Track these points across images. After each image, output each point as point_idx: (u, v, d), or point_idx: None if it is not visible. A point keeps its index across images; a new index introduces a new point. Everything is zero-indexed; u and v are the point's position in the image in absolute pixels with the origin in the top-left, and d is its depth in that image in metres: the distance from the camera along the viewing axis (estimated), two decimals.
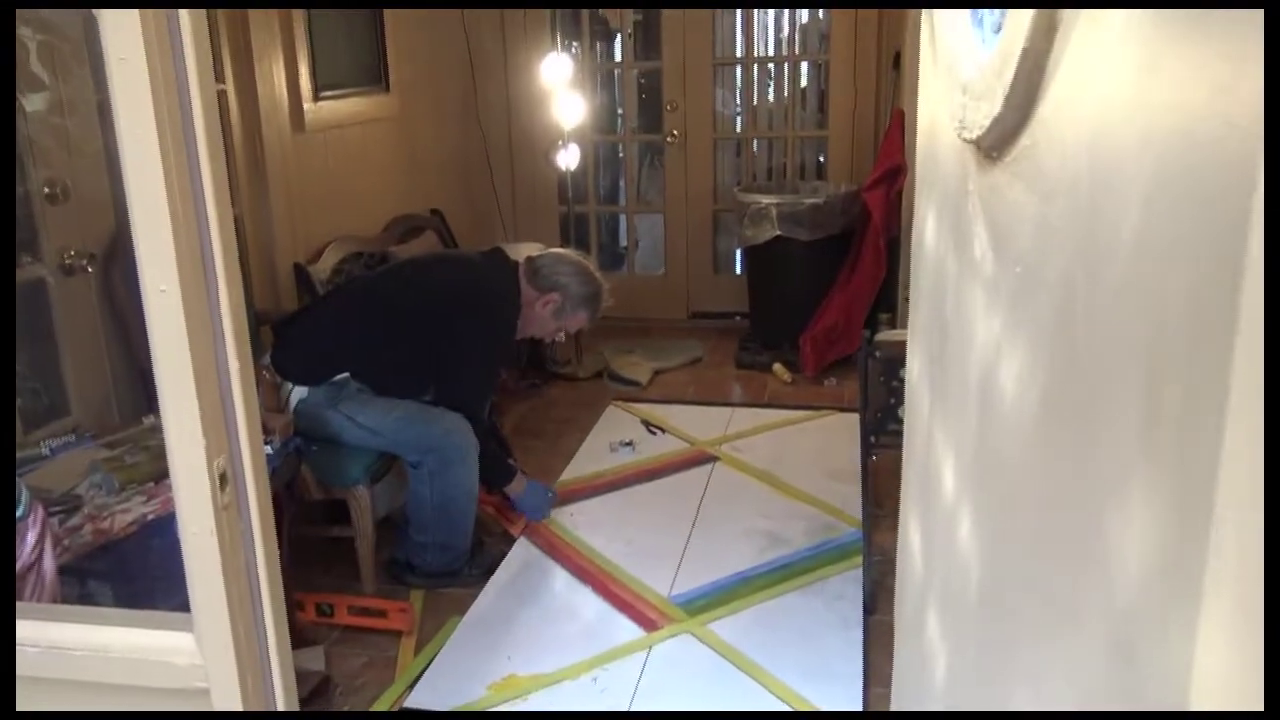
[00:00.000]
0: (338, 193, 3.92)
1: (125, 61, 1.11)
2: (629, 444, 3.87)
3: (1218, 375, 0.31)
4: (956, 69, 0.63)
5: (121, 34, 1.10)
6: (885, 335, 2.57)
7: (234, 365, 1.23)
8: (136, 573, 1.93)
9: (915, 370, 0.95)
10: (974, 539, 0.63)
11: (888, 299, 4.50)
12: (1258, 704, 0.27)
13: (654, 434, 4.00)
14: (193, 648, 1.29)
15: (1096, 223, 0.39)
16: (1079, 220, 0.41)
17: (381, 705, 2.45)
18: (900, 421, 2.66)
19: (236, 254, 1.23)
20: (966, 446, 0.65)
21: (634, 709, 2.36)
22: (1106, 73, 0.40)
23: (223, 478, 1.23)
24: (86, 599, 1.93)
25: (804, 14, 5.60)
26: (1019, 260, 0.49)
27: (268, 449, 2.37)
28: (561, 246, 3.21)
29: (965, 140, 0.59)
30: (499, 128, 5.36)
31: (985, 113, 0.52)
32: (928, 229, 0.88)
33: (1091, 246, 0.39)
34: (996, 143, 0.52)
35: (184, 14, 1.15)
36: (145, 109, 1.11)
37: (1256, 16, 0.29)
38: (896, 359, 2.54)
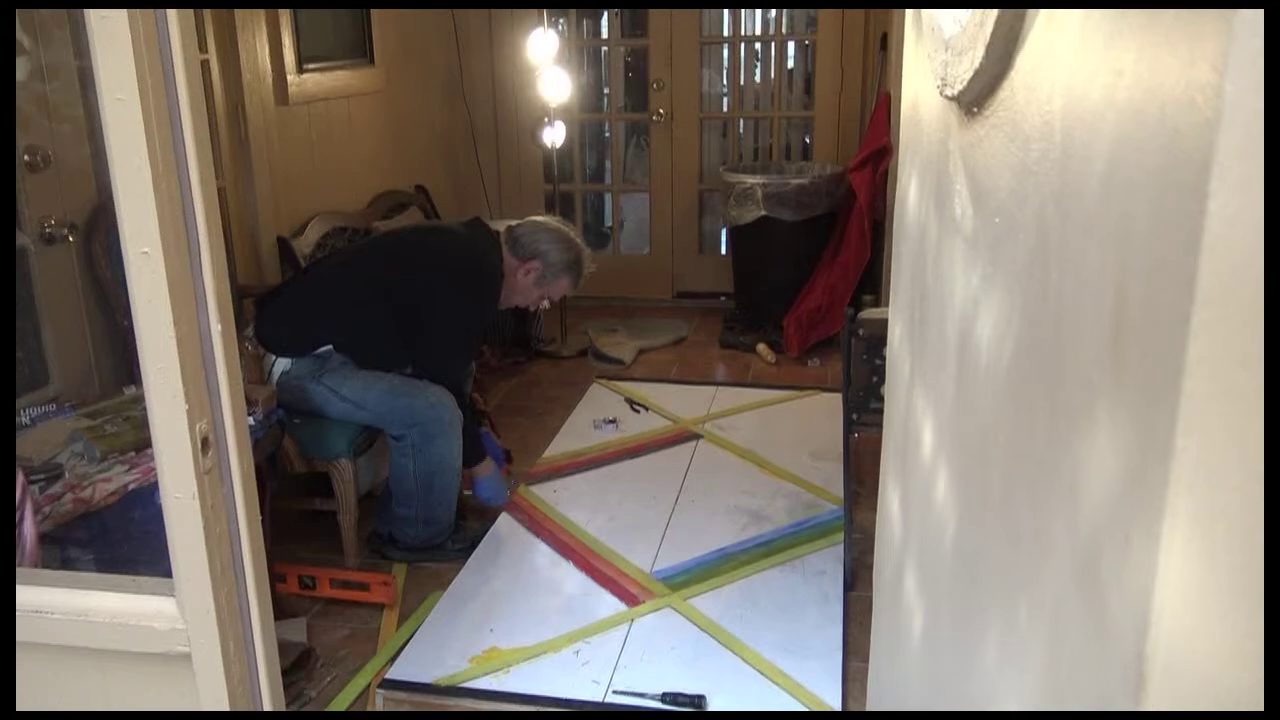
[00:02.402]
0: (322, 167, 3.89)
1: (106, 19, 1.10)
2: (612, 421, 3.88)
3: (1178, 314, 0.32)
4: (940, 28, 0.63)
5: None
6: (868, 313, 2.59)
7: (216, 328, 1.23)
8: (117, 542, 1.92)
9: (896, 337, 0.96)
10: (950, 493, 0.64)
11: (872, 280, 4.52)
12: (1216, 618, 0.28)
13: (637, 412, 4.01)
14: (174, 612, 1.29)
15: (1069, 163, 0.39)
16: (1052, 162, 0.41)
17: (363, 677, 2.46)
18: (882, 400, 2.68)
19: (219, 216, 1.23)
20: (945, 403, 0.66)
21: (615, 681, 2.38)
22: (1080, 26, 0.41)
23: (204, 442, 1.23)
24: (68, 566, 1.93)
25: None
26: (998, 211, 0.50)
27: (251, 420, 2.37)
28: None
29: (947, 98, 0.60)
30: (485, 104, 5.34)
31: (967, 65, 0.53)
32: (910, 197, 0.89)
33: (1064, 186, 0.40)
34: (978, 96, 0.53)
35: None
36: (126, 66, 1.10)
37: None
38: (879, 337, 2.55)
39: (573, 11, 5.42)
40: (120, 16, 1.09)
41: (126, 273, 1.19)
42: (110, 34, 1.10)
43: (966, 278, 0.58)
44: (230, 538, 1.30)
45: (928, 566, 0.78)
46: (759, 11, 5.73)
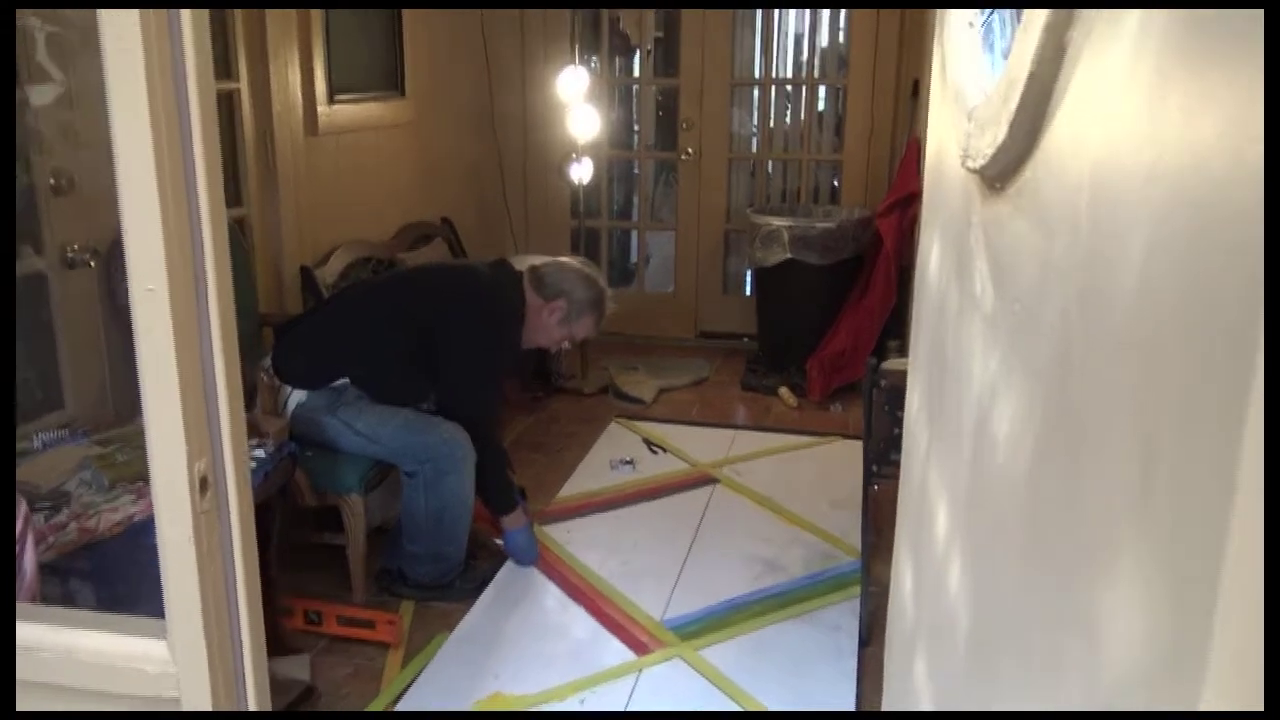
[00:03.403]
0: (349, 197, 3.90)
1: (122, 51, 1.09)
2: (629, 462, 3.84)
3: (1222, 462, 0.27)
4: (964, 95, 0.60)
5: (119, 24, 1.08)
6: (891, 363, 2.54)
7: (220, 367, 1.21)
8: (121, 575, 1.90)
9: (914, 404, 0.92)
10: (962, 589, 0.60)
11: (897, 327, 4.47)
12: None
13: (655, 453, 3.97)
14: (165, 656, 1.26)
15: (1096, 262, 0.35)
16: (1079, 259, 0.38)
17: None
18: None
19: (228, 254, 1.21)
20: (960, 488, 0.62)
21: None
22: (1113, 101, 0.38)
23: (203, 482, 1.21)
24: (68, 599, 1.91)
25: (824, 38, 5.59)
26: (1018, 298, 0.46)
27: (261, 452, 2.35)
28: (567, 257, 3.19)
29: (970, 169, 0.56)
30: (514, 139, 5.35)
31: (990, 140, 0.49)
32: (931, 259, 0.85)
33: (1091, 286, 0.36)
34: (1001, 173, 0.49)
35: (185, 11, 1.13)
36: (140, 99, 1.09)
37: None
38: (901, 388, 2.50)
39: (605, 50, 5.44)
40: (136, 49, 1.08)
41: (131, 307, 1.17)
42: (124, 66, 1.09)
43: (985, 359, 0.54)
44: (226, 581, 1.27)
45: (938, 655, 0.74)
46: (791, 55, 5.74)
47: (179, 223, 1.14)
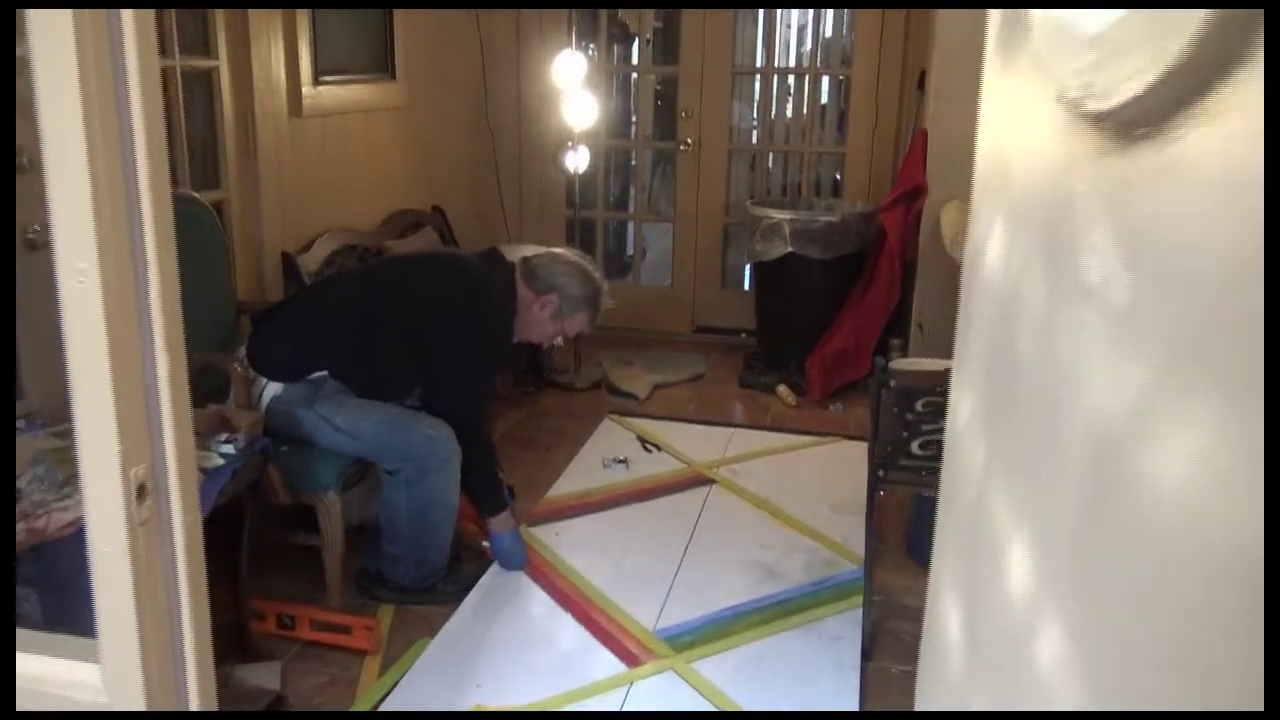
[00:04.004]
0: (334, 182, 3.75)
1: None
2: (623, 461, 3.70)
3: None
4: (1073, 27, 0.46)
5: None
6: (902, 364, 2.40)
7: (162, 361, 1.07)
8: (69, 582, 1.75)
9: (962, 416, 0.78)
10: (1063, 662, 0.46)
11: (900, 323, 4.33)
12: None
13: (649, 452, 3.83)
14: (97, 683, 1.11)
15: None
16: None
17: None
18: (912, 457, 2.49)
19: (172, 234, 1.06)
20: (1058, 535, 0.48)
21: None
22: None
23: (141, 489, 1.06)
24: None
25: (828, 29, 5.44)
26: (1196, 280, 0.32)
27: (230, 448, 2.20)
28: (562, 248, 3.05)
29: (1087, 114, 0.42)
30: (509, 126, 5.20)
31: (1139, 65, 0.35)
32: (990, 249, 0.71)
33: None
34: (1155, 108, 0.35)
35: None
36: (67, 55, 0.94)
37: None
38: (912, 389, 2.36)
39: (602, 37, 5.29)
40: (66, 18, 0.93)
41: (59, 292, 1.03)
42: (50, 25, 0.94)
43: (1115, 369, 0.40)
44: (168, 600, 1.13)
45: None
46: (794, 45, 5.59)
47: (113, 196, 1.00)
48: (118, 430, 1.03)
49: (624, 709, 2.32)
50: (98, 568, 1.08)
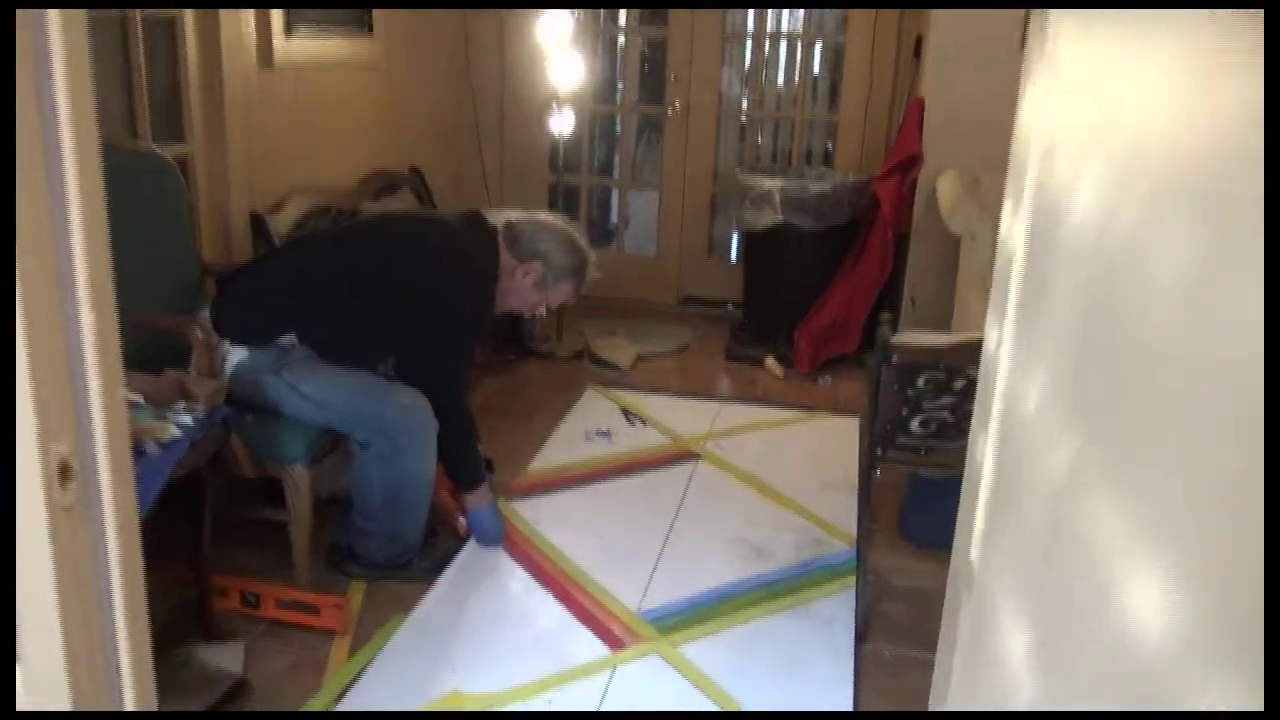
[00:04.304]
0: (307, 140, 3.58)
1: None
2: (605, 434, 3.58)
3: None
4: None
5: None
6: (904, 338, 2.28)
7: (87, 318, 0.93)
8: None
9: (1032, 399, 0.65)
10: None
11: (892, 296, 4.21)
12: None
13: (633, 424, 3.71)
14: (19, 689, 0.98)
15: None
16: None
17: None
18: (912, 435, 2.38)
19: (100, 170, 0.92)
20: (1221, 562, 0.35)
21: None
22: None
23: (64, 469, 0.93)
24: None
25: None
26: None
27: (188, 418, 2.06)
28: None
29: None
30: (491, 87, 5.03)
31: None
32: (1081, 197, 0.59)
33: None
34: None
35: None
36: None
37: None
38: (914, 365, 2.25)
39: None
40: None
41: None
42: None
43: None
44: (99, 595, 1.00)
45: None
46: (786, 11, 5.43)
47: (27, 132, 0.86)
48: (34, 400, 0.89)
49: (608, 694, 2.21)
50: (19, 559, 0.94)
